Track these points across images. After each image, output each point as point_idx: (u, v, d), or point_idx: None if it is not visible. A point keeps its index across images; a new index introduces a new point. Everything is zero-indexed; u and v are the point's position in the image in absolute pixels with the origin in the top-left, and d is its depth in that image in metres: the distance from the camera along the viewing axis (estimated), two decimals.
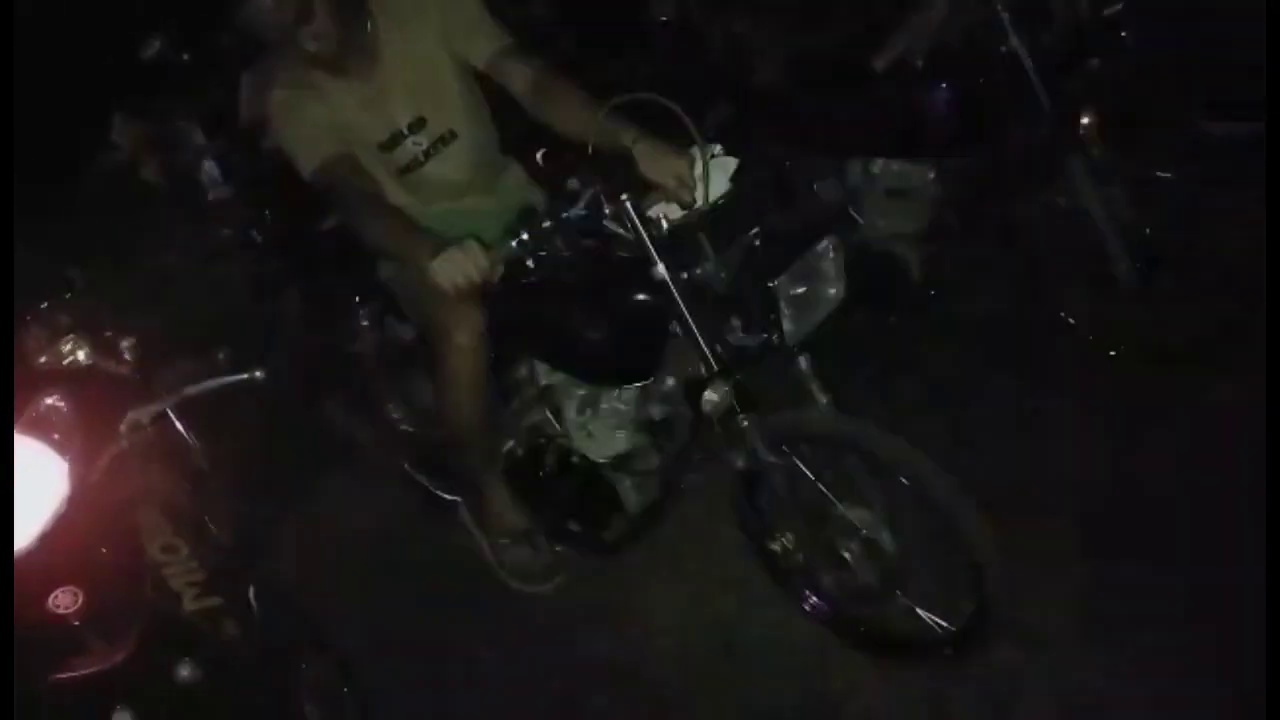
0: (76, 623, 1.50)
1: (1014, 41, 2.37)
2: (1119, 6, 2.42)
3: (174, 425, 1.87)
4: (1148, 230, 2.49)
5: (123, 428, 1.58)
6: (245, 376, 1.62)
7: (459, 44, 1.98)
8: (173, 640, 1.56)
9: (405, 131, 1.98)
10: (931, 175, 2.66)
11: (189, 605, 1.58)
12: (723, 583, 2.26)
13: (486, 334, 2.00)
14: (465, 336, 2.00)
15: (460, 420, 2.14)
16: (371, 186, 1.92)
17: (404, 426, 2.56)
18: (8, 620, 1.39)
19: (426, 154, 2.02)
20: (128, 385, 1.80)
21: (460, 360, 2.03)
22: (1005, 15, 2.35)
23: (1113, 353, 2.65)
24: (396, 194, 2.02)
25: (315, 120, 1.90)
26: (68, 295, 1.99)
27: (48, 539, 1.47)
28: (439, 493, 2.45)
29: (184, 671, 1.53)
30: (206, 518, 1.78)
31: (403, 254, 1.86)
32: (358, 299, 2.34)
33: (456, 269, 1.61)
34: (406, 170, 2.02)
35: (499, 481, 2.26)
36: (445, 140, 2.02)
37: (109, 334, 1.90)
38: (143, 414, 1.60)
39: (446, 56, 1.98)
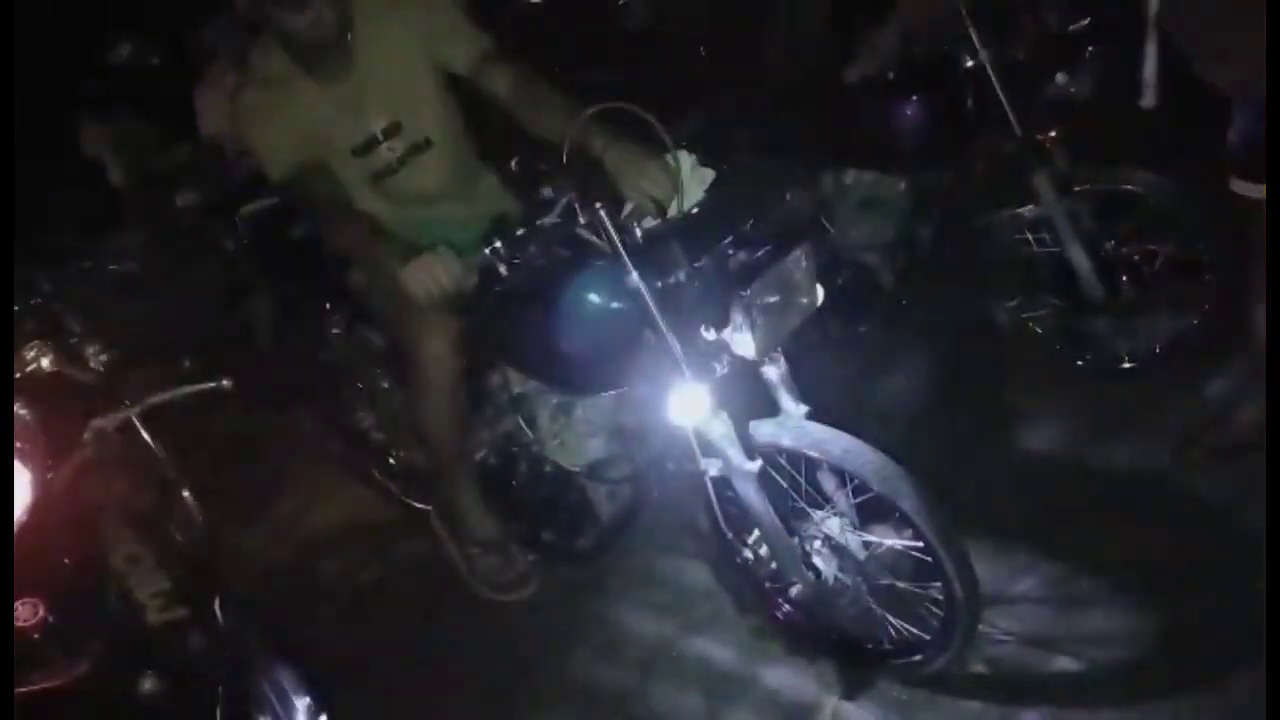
0: (37, 635, 1.47)
1: (982, 56, 2.41)
2: (1085, 22, 2.47)
3: (140, 434, 1.84)
4: (1111, 241, 2.54)
5: (87, 436, 1.56)
6: (212, 385, 1.60)
7: (439, 49, 1.97)
8: (136, 653, 1.54)
9: (380, 137, 1.96)
10: (902, 186, 2.70)
11: (153, 617, 1.56)
12: (695, 591, 2.26)
13: (460, 342, 1.99)
14: (437, 345, 1.99)
15: (432, 428, 2.13)
16: (341, 193, 1.90)
17: (375, 434, 2.54)
18: (7, 621, 1.36)
19: (401, 161, 2.00)
20: (93, 393, 1.77)
21: (432, 369, 2.02)
22: (973, 30, 2.40)
23: (1079, 361, 2.70)
24: (369, 200, 2.00)
25: (286, 124, 1.88)
26: (33, 302, 1.96)
27: (9, 549, 1.44)
28: (410, 501, 2.43)
29: (147, 685, 1.50)
30: (172, 527, 1.76)
31: (374, 261, 1.84)
32: (328, 306, 2.32)
33: (428, 277, 1.60)
34: (380, 176, 2.00)
35: (471, 489, 2.25)
36: (420, 147, 2.00)
37: (74, 340, 1.88)
38: (107, 422, 1.58)
39: (425, 62, 1.97)
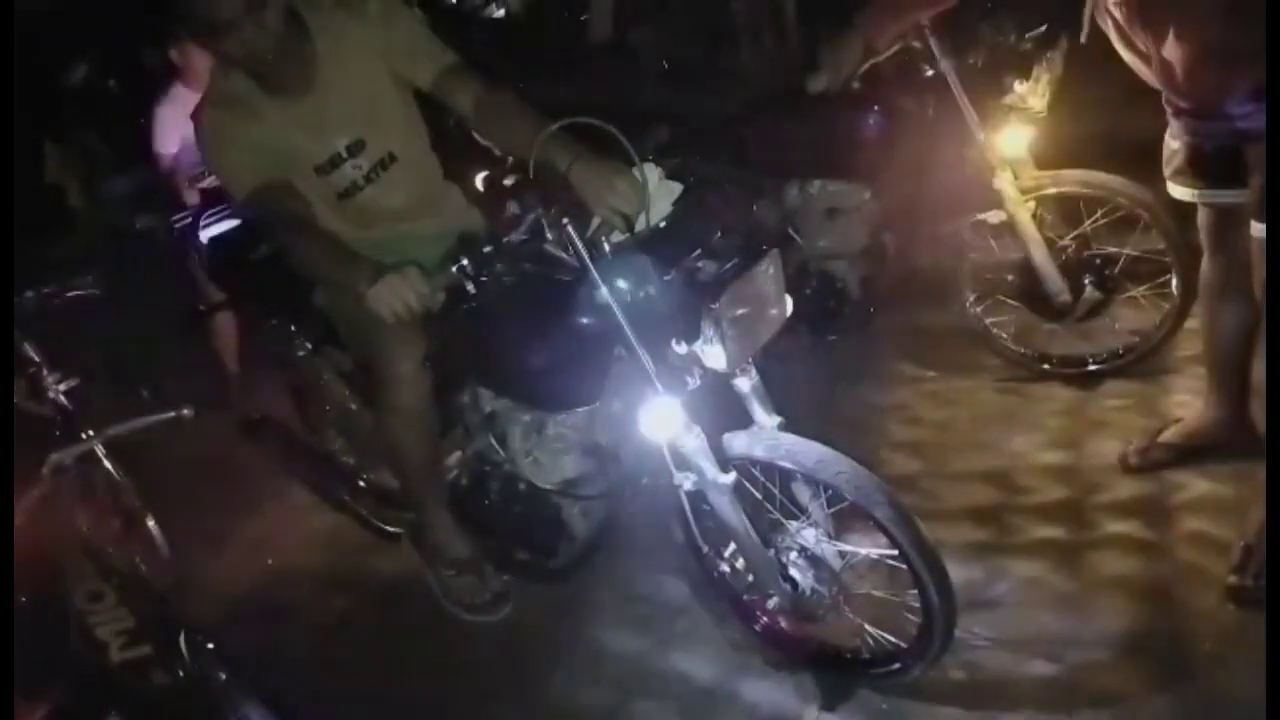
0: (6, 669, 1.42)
1: (943, 65, 2.44)
2: (1042, 30, 2.51)
3: (102, 464, 1.80)
4: (1076, 247, 2.57)
5: (45, 470, 1.52)
6: (173, 413, 1.57)
7: (402, 65, 1.95)
8: (99, 693, 1.49)
9: (344, 154, 1.94)
10: (867, 195, 2.72)
11: (116, 655, 1.51)
12: (673, 606, 2.25)
13: (428, 362, 1.97)
14: (405, 366, 1.97)
15: (403, 449, 2.10)
16: (306, 212, 1.88)
17: (344, 457, 2.50)
18: (7, 622, 1.32)
19: (366, 178, 1.97)
20: (52, 425, 1.73)
21: (403, 389, 1.99)
22: (933, 40, 2.43)
23: (1045, 365, 2.73)
24: (333, 219, 1.98)
25: (248, 145, 1.85)
26: None
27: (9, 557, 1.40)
28: (381, 525, 2.39)
29: None
30: (136, 560, 1.72)
31: (339, 281, 1.82)
32: (294, 327, 2.29)
33: (395, 295, 1.58)
34: (345, 195, 1.98)
35: (442, 510, 2.22)
36: (385, 164, 1.98)
37: (33, 370, 1.83)
38: (66, 455, 1.54)
39: (388, 78, 1.95)
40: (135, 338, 3.41)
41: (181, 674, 1.58)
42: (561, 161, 1.66)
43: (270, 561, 2.69)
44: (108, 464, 1.77)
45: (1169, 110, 1.97)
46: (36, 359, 1.89)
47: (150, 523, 1.76)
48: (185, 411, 1.55)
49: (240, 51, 1.77)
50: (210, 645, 1.65)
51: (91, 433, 1.56)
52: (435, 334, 1.93)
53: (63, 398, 1.79)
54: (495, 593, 2.27)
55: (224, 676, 1.65)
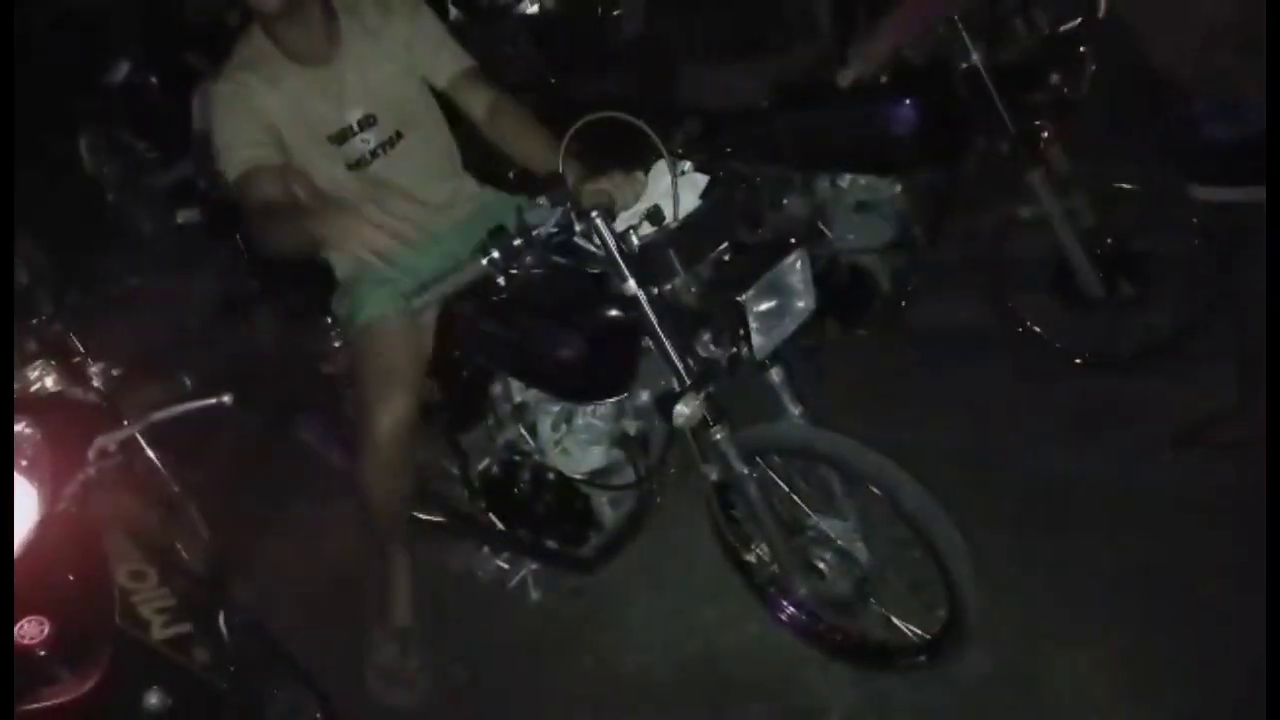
0: (43, 652, 1.47)
1: (975, 58, 2.43)
2: (1077, 22, 2.48)
3: (143, 451, 1.84)
4: (1109, 240, 2.55)
5: (91, 454, 1.56)
6: (213, 401, 1.60)
7: (422, 59, 2.00)
8: (141, 668, 1.54)
9: (355, 128, 1.97)
10: (897, 189, 2.71)
11: (158, 633, 1.56)
12: (701, 595, 2.27)
13: (415, 419, 1.98)
14: (384, 420, 1.96)
15: (369, 501, 2.09)
16: (287, 199, 1.88)
17: None
18: (7, 623, 1.36)
19: (374, 153, 2.00)
20: (96, 412, 1.78)
21: (376, 444, 1.99)
22: (965, 34, 2.41)
23: (1078, 359, 2.71)
24: (350, 185, 2.00)
25: (257, 109, 1.87)
26: (35, 321, 1.97)
27: (15, 567, 1.45)
28: (418, 515, 2.43)
29: (153, 700, 1.50)
30: (176, 543, 1.76)
31: (304, 244, 1.80)
32: (329, 319, 2.33)
33: (359, 241, 1.61)
34: (355, 166, 2.00)
35: (404, 573, 2.22)
36: (392, 142, 2.01)
37: (77, 360, 1.88)
38: (110, 440, 1.58)
39: (405, 66, 1.99)
40: (175, 327, 3.50)
41: (221, 652, 1.63)
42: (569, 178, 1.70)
43: (308, 545, 2.75)
44: (149, 450, 1.82)
45: (1195, 103, 1.94)
46: (81, 349, 1.94)
47: (190, 508, 1.80)
48: (225, 399, 1.58)
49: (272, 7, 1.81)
50: (248, 624, 1.70)
51: (133, 419, 1.60)
52: (467, 326, 1.97)
53: (105, 385, 1.84)
54: (410, 671, 2.19)
55: (263, 655, 1.70)
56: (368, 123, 1.97)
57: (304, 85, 1.91)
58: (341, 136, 1.97)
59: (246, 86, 1.88)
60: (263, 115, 1.88)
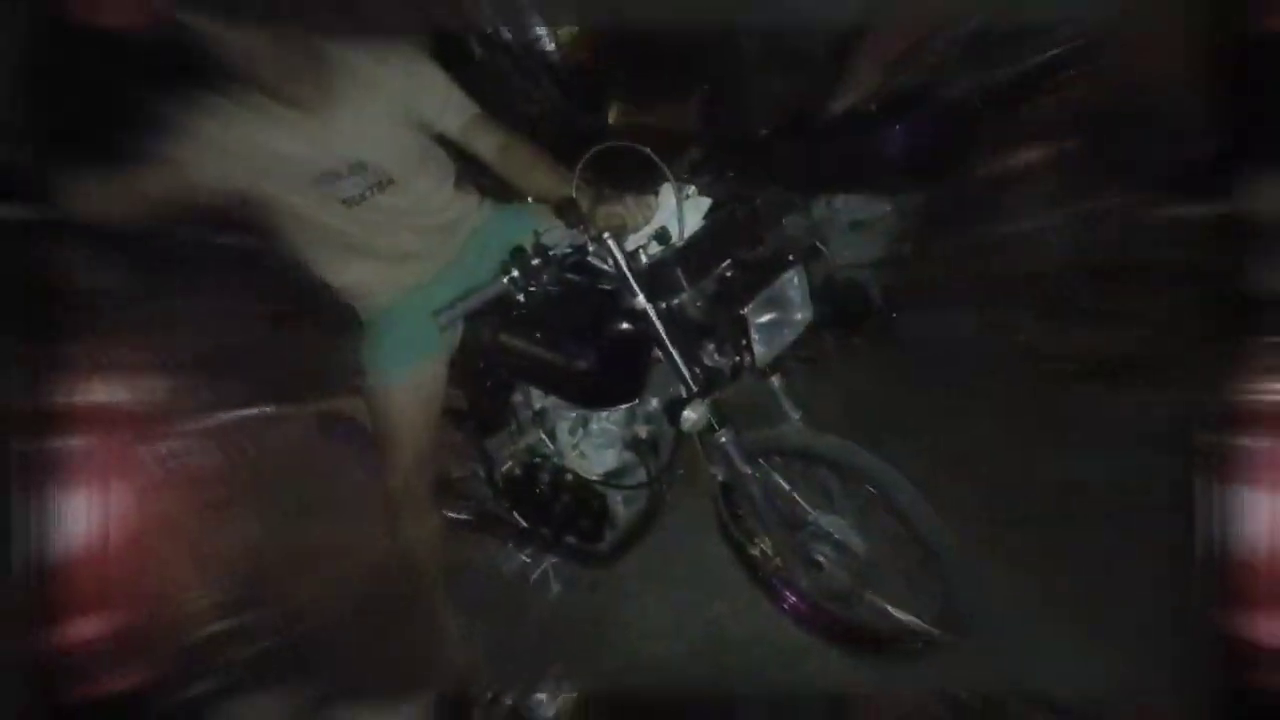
0: (103, 645, 1.58)
1: (963, 81, 2.55)
2: (1061, 50, 2.59)
3: (194, 454, 1.95)
4: (1098, 252, 2.62)
5: (143, 460, 1.68)
6: (261, 409, 1.72)
7: (426, 113, 2.00)
8: (195, 661, 1.64)
9: (344, 172, 1.95)
10: (889, 208, 2.82)
11: (209, 629, 1.66)
12: (711, 588, 2.35)
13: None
14: (399, 480, 2.04)
15: (401, 540, 2.18)
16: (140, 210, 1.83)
17: None
18: (8, 622, 1.47)
19: (363, 195, 1.98)
20: (151, 420, 1.88)
21: (399, 505, 2.08)
22: (955, 58, 2.54)
23: (1064, 368, 2.77)
24: (349, 221, 1.99)
25: (232, 139, 1.83)
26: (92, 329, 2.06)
27: (75, 568, 1.56)
28: (448, 514, 2.49)
29: (206, 690, 1.61)
30: (228, 543, 1.86)
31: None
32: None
33: None
34: (351, 202, 1.98)
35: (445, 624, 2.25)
36: (381, 186, 1.99)
37: (128, 368, 1.98)
38: (163, 446, 1.70)
39: (402, 119, 1.98)
40: (222, 337, 3.52)
41: (261, 647, 1.74)
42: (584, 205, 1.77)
43: (355, 543, 2.79)
44: (200, 454, 1.93)
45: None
46: (132, 358, 2.04)
47: (240, 509, 1.91)
48: (272, 407, 1.70)
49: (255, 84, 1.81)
50: (299, 619, 1.80)
51: (184, 425, 1.71)
52: (490, 341, 2.05)
53: (156, 393, 1.95)
54: None
55: (307, 654, 1.80)
56: (358, 169, 1.95)
57: (291, 126, 1.87)
58: (330, 179, 1.93)
59: (230, 112, 1.84)
60: (240, 139, 1.83)
